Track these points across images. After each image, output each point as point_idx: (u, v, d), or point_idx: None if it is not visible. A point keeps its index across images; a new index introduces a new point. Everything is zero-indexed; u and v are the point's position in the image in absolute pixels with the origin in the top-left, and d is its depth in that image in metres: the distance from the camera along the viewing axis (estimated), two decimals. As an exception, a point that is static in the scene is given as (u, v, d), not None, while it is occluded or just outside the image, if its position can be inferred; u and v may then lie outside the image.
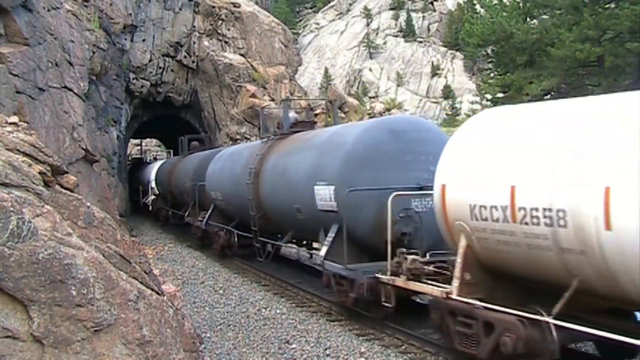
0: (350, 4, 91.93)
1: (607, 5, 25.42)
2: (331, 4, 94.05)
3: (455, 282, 7.02)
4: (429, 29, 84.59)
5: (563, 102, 6.98)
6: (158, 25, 29.35)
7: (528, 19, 29.65)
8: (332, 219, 9.94)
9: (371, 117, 31.81)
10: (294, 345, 8.60)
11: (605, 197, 5.14)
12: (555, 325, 5.80)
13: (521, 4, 29.56)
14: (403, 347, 8.27)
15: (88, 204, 5.03)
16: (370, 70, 79.10)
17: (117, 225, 5.27)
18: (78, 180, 5.90)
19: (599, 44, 24.45)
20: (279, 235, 13.51)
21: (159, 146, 55.88)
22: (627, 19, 22.72)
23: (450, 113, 65.02)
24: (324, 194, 9.99)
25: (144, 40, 28.47)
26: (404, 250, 8.32)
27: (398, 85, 75.95)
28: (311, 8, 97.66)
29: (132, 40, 27.41)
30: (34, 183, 4.51)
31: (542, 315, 5.96)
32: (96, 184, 16.52)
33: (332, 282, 9.85)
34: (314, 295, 11.56)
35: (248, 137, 29.53)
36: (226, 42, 33.22)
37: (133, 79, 27.94)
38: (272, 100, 31.35)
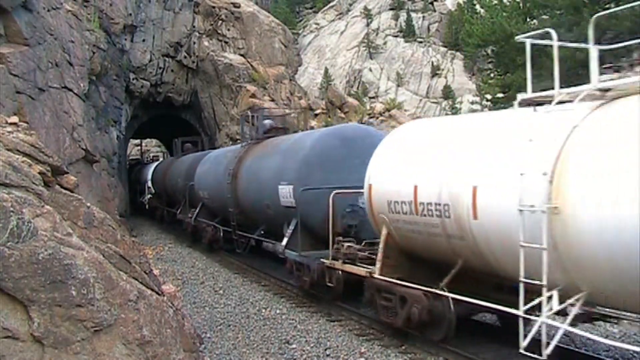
0: (350, 4, 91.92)
1: (607, 6, 25.41)
2: (331, 4, 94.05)
3: (378, 264, 8.59)
4: (429, 29, 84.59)
5: (459, 117, 9.06)
6: (158, 26, 29.34)
7: (528, 19, 29.63)
8: (292, 214, 11.57)
9: (371, 118, 31.79)
10: (294, 346, 8.60)
11: (473, 194, 6.70)
12: (452, 298, 7.28)
13: (521, 4, 29.55)
14: (403, 347, 8.28)
15: (88, 204, 5.03)
16: (370, 70, 79.11)
17: (117, 226, 5.27)
18: (78, 180, 5.90)
19: (599, 44, 24.41)
20: (256, 229, 14.89)
21: (159, 146, 55.81)
22: (627, 19, 22.70)
23: (450, 113, 65.04)
24: (286, 192, 11.73)
25: (144, 40, 28.46)
26: (341, 238, 9.92)
27: (398, 86, 75.93)
28: (311, 8, 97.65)
29: (132, 41, 27.40)
30: (34, 183, 4.51)
31: (443, 290, 7.41)
32: (96, 184, 16.52)
33: (293, 269, 11.48)
34: (314, 296, 11.56)
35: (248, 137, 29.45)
36: (226, 43, 33.22)
37: (133, 79, 27.93)
38: (272, 100, 31.35)
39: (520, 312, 6.09)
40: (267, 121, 16.23)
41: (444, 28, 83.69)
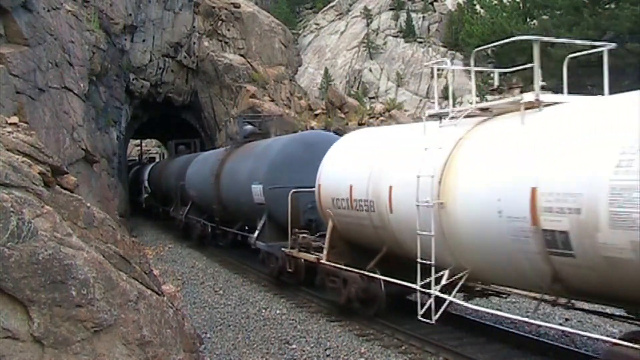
0: (350, 5, 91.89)
1: (607, 6, 25.41)
2: (331, 4, 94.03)
3: (325, 252, 10.19)
4: (429, 30, 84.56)
5: (388, 128, 11.39)
6: (158, 26, 29.32)
7: (528, 19, 29.63)
8: (263, 210, 13.50)
9: (371, 118, 31.78)
10: (294, 346, 8.61)
11: (389, 192, 8.32)
12: (382, 279, 8.82)
13: (521, 4, 29.55)
14: (403, 347, 8.28)
15: (88, 204, 5.03)
16: (370, 70, 79.10)
17: (117, 226, 5.27)
18: (78, 180, 5.90)
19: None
20: (235, 224, 16.60)
21: (159, 146, 55.81)
22: (627, 20, 22.70)
23: (450, 113, 64.60)
24: (257, 191, 13.50)
25: (144, 40, 28.45)
26: (297, 230, 11.49)
27: (398, 86, 75.90)
28: (311, 8, 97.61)
29: (132, 41, 27.38)
30: (34, 183, 4.51)
31: (376, 273, 8.95)
32: (96, 184, 16.51)
33: (263, 258, 13.34)
34: (313, 296, 11.57)
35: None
36: (226, 43, 33.22)
37: (133, 79, 27.92)
38: (272, 100, 31.34)
39: (417, 287, 7.57)
40: (247, 127, 17.94)
41: (444, 28, 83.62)
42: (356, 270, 9.28)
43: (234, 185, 15.36)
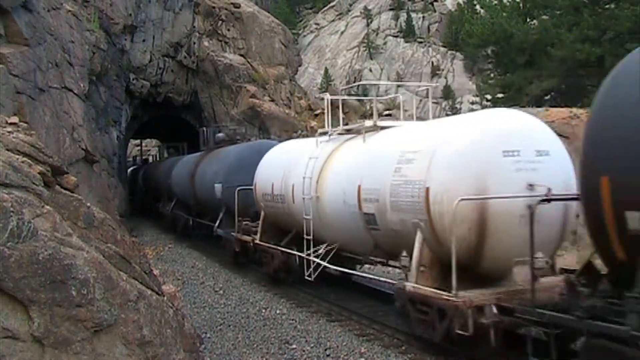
0: (350, 5, 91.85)
1: (607, 6, 25.41)
2: (331, 4, 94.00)
3: (257, 234, 13.46)
4: (429, 30, 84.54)
5: (296, 141, 15.23)
6: (158, 26, 29.30)
7: (528, 19, 29.64)
8: (221, 204, 16.71)
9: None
10: (294, 346, 8.60)
11: (292, 189, 11.69)
12: (298, 256, 11.52)
13: (521, 4, 29.58)
14: (403, 348, 8.28)
15: (88, 204, 5.03)
16: (370, 70, 79.08)
17: (117, 226, 5.27)
18: (78, 180, 5.90)
19: (598, 45, 24.43)
20: (206, 217, 19.45)
21: (159, 146, 55.86)
22: (627, 20, 22.71)
23: (450, 113, 64.94)
24: (218, 189, 16.77)
25: (144, 40, 28.43)
26: (240, 218, 14.67)
27: (398, 86, 75.88)
28: (311, 8, 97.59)
29: (132, 41, 27.36)
30: (34, 183, 4.51)
31: (292, 249, 11.88)
32: (96, 184, 16.50)
33: (224, 243, 16.37)
34: (314, 296, 11.57)
35: (248, 137, 29.80)
36: (226, 43, 33.20)
37: (133, 79, 27.91)
38: (272, 100, 31.32)
39: (304, 255, 11.09)
40: (219, 134, 21.42)
41: (444, 28, 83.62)
42: (278, 247, 12.33)
43: (203, 184, 18.61)
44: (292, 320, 10.09)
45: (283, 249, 12.08)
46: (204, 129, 24.36)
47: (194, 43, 31.62)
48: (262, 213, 13.44)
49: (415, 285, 7.72)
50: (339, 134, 11.18)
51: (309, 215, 10.67)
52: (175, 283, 13.44)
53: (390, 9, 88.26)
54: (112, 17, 23.29)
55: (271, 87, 32.13)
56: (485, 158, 7.31)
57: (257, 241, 13.24)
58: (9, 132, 5.15)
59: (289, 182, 11.73)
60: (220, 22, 33.02)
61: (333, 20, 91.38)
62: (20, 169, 4.49)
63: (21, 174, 4.45)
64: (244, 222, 14.53)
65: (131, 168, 39.64)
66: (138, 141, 48.98)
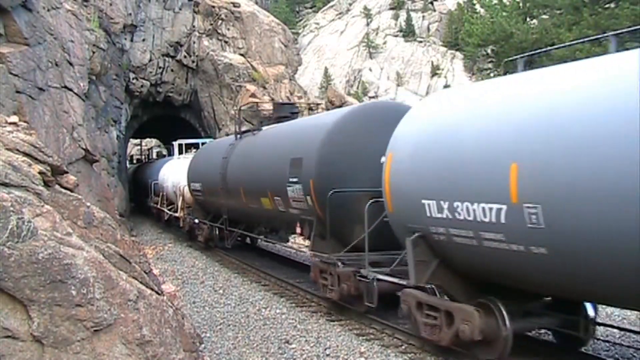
0: (350, 4, 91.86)
1: (607, 5, 25.40)
2: (331, 3, 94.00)
3: (182, 213, 21.30)
4: (428, 29, 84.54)
5: (218, 140, 22.12)
6: (158, 25, 29.31)
7: (528, 19, 29.62)
8: (177, 197, 22.20)
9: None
10: (293, 345, 8.60)
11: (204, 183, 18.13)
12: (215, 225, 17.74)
13: (521, 4, 29.55)
14: (403, 347, 8.28)
15: (88, 203, 5.03)
16: (370, 70, 79.07)
17: (116, 225, 5.27)
18: (78, 180, 5.90)
19: (599, 44, 24.43)
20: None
21: (159, 146, 55.92)
22: (627, 19, 22.69)
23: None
24: (176, 185, 22.30)
25: (143, 40, 28.44)
26: (187, 205, 20.69)
27: (398, 85, 75.92)
28: (311, 8, 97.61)
29: (132, 40, 27.37)
30: (33, 183, 4.51)
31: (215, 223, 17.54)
32: (96, 183, 16.50)
33: (183, 227, 21.42)
34: (313, 295, 11.57)
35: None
36: (226, 42, 33.19)
37: (133, 78, 27.92)
38: (272, 100, 31.29)
39: (219, 225, 17.20)
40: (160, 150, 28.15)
41: (444, 28, 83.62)
42: (208, 222, 18.20)
43: (169, 183, 23.76)
44: (292, 319, 10.09)
45: (211, 223, 17.93)
46: (173, 143, 30.36)
47: (194, 42, 31.62)
48: (194, 201, 19.86)
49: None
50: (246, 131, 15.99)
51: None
52: (175, 282, 13.44)
53: (390, 9, 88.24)
54: (111, 17, 23.29)
55: (271, 86, 32.13)
56: None
57: (195, 221, 19.19)
58: (8, 131, 5.15)
59: (211, 174, 16.47)
60: (220, 21, 33.02)
61: (333, 20, 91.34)
62: (20, 168, 4.49)
63: (21, 173, 4.45)
64: (187, 208, 20.87)
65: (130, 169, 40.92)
66: (138, 141, 49.07)
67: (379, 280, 8.55)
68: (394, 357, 7.89)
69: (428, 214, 7.12)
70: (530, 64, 7.41)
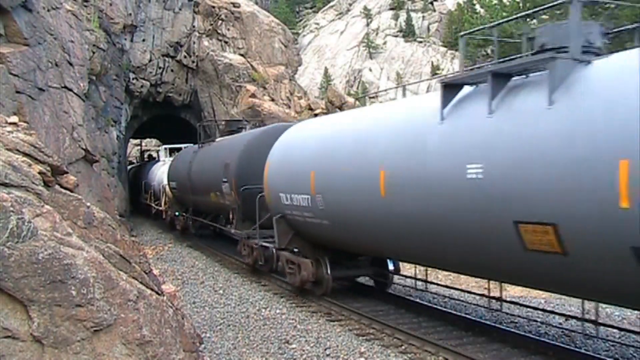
0: (350, 4, 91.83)
1: (607, 5, 25.40)
2: (331, 4, 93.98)
3: (165, 207, 26.22)
4: (428, 29, 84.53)
5: (189, 147, 24.54)
6: (158, 25, 29.30)
7: (528, 19, 29.60)
8: (161, 193, 26.55)
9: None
10: (293, 345, 8.60)
11: (185, 179, 21.80)
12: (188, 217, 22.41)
13: (521, 4, 29.55)
14: (403, 347, 8.28)
15: (88, 204, 5.03)
16: (370, 70, 79.04)
17: (116, 225, 5.27)
18: (78, 180, 5.90)
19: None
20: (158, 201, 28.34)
21: (159, 146, 55.94)
22: (627, 19, 22.70)
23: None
24: (159, 184, 26.58)
25: (143, 40, 28.43)
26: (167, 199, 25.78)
27: (397, 85, 75.80)
28: (311, 8, 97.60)
29: (132, 40, 27.36)
30: (33, 183, 4.51)
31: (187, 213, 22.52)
32: (96, 184, 16.50)
33: (175, 221, 23.94)
34: (313, 295, 11.56)
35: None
36: (226, 42, 33.18)
37: (133, 79, 27.91)
38: (272, 100, 31.30)
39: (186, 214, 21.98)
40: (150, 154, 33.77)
41: (444, 28, 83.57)
42: (183, 214, 22.14)
43: (155, 182, 27.75)
44: (292, 319, 10.09)
45: (185, 214, 22.01)
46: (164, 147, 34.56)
47: (194, 43, 31.61)
48: (169, 193, 23.99)
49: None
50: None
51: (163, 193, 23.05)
52: (175, 283, 13.44)
53: (390, 9, 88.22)
54: (111, 17, 23.28)
55: (271, 86, 32.11)
56: None
57: (176, 213, 23.03)
58: (8, 131, 5.15)
59: (182, 175, 20.79)
60: (220, 21, 33.00)
61: (333, 20, 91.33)
62: (20, 168, 4.49)
63: (21, 173, 4.45)
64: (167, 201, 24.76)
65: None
66: (138, 141, 49.06)
67: (262, 246, 13.18)
68: (394, 357, 7.89)
69: (282, 202, 11.37)
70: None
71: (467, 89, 7.06)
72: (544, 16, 29.29)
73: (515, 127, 5.95)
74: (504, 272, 6.99)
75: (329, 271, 10.92)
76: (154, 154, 43.16)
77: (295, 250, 11.63)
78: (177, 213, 23.05)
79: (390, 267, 11.26)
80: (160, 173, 26.75)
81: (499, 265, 6.66)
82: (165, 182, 24.31)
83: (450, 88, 7.13)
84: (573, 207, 5.26)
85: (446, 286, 11.62)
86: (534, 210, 5.62)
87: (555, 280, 6.00)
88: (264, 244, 12.92)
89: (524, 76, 6.26)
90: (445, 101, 7.08)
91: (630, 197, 4.76)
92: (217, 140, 19.33)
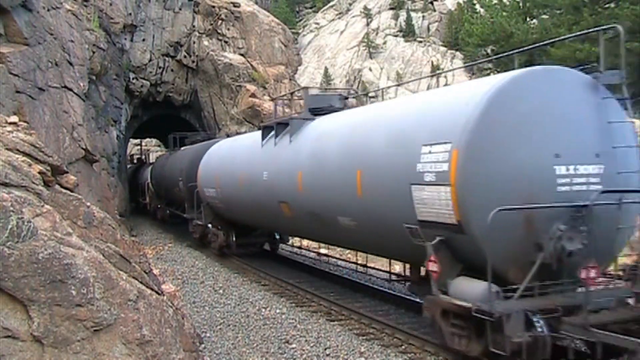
0: (350, 4, 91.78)
1: (607, 5, 25.42)
2: (331, 3, 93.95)
3: (148, 200, 31.33)
4: (428, 29, 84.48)
5: (178, 152, 26.53)
6: (158, 25, 29.30)
7: (528, 19, 29.64)
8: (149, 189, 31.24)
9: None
10: (293, 345, 8.60)
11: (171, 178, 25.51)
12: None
13: (521, 4, 29.57)
14: (403, 347, 8.28)
15: (88, 203, 5.03)
16: (370, 70, 79.01)
17: (116, 225, 5.27)
18: (78, 180, 5.90)
19: (598, 44, 24.41)
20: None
21: (159, 146, 55.90)
22: (627, 19, 22.71)
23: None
24: (149, 182, 31.23)
25: (143, 40, 28.43)
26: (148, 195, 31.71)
27: (398, 85, 75.71)
28: (311, 8, 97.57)
29: (132, 40, 27.36)
30: (33, 183, 4.51)
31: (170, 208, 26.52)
32: (96, 183, 16.50)
33: (157, 212, 28.47)
34: (313, 295, 11.57)
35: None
36: (226, 42, 33.17)
37: (133, 78, 27.91)
38: (272, 100, 31.30)
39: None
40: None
41: (444, 28, 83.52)
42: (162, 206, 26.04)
43: (142, 181, 31.78)
44: (292, 319, 10.09)
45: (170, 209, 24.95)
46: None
47: (194, 42, 31.61)
48: (153, 191, 28.39)
49: None
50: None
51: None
52: (175, 282, 13.44)
53: (390, 9, 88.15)
54: (111, 17, 23.27)
55: (271, 86, 32.11)
56: None
57: (158, 205, 27.37)
58: (8, 131, 5.15)
59: (168, 174, 23.66)
60: (220, 21, 33.00)
61: (333, 20, 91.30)
62: (20, 168, 4.49)
63: (21, 173, 4.45)
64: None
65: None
66: (138, 141, 49.03)
67: (198, 224, 18.60)
68: (394, 357, 7.89)
69: (206, 194, 17.37)
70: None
71: (272, 130, 12.84)
72: (544, 16, 29.30)
73: (281, 152, 12.19)
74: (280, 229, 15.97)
75: (233, 239, 16.91)
76: (143, 157, 44.14)
77: (217, 227, 17.29)
78: (159, 205, 27.84)
79: (277, 236, 17.28)
80: (146, 173, 32.01)
81: (277, 223, 14.06)
82: (149, 180, 29.69)
83: (266, 127, 13.44)
84: (287, 191, 11.61)
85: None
86: (282, 194, 11.69)
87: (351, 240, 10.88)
88: (199, 223, 18.29)
89: (287, 125, 12.17)
90: (264, 135, 13.37)
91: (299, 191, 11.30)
92: (182, 149, 25.00)
